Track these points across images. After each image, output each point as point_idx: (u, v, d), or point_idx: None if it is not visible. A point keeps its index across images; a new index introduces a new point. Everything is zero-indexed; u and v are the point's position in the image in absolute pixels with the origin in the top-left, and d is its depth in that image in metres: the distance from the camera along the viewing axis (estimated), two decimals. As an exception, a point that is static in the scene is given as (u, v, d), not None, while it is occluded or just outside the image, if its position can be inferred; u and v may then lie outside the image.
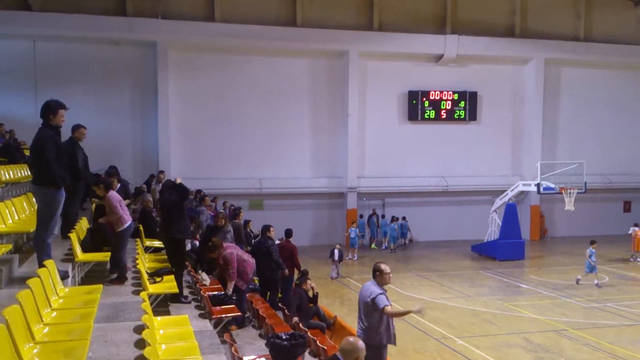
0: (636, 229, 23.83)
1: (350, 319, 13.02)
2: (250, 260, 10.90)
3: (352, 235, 24.56)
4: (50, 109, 7.31)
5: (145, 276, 8.81)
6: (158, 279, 9.16)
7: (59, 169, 7.30)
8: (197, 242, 13.71)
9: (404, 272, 22.08)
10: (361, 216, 28.00)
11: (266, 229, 12.98)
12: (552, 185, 23.33)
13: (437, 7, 28.53)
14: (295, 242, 14.51)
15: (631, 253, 24.04)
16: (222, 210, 17.71)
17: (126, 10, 24.73)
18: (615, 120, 31.03)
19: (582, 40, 29.94)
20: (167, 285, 9.05)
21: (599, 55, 29.77)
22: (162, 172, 19.76)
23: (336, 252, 20.26)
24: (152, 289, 8.66)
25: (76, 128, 10.24)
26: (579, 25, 30.05)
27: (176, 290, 9.09)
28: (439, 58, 28.35)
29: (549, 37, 29.29)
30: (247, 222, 16.31)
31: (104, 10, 24.33)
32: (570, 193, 23.29)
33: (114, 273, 9.35)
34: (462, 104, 29.06)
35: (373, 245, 27.52)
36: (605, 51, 29.74)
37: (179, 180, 10.90)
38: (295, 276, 14.03)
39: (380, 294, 7.79)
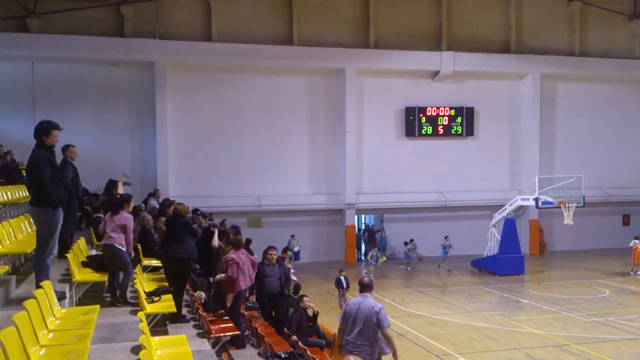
0: (637, 242, 23.70)
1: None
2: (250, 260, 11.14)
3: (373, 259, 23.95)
4: (43, 130, 7.37)
5: (143, 296, 8.77)
6: (156, 299, 9.12)
7: (55, 189, 7.31)
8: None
9: (404, 287, 22.01)
10: (359, 230, 27.94)
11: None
12: (551, 200, 23.33)
13: (432, 24, 28.71)
14: (294, 259, 14.47)
15: (631, 266, 23.96)
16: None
17: (124, 31, 24.89)
18: (613, 133, 31.05)
19: (578, 54, 30.09)
20: (165, 304, 8.99)
21: (594, 69, 29.90)
22: (158, 189, 19.80)
23: (342, 279, 18.03)
24: (150, 308, 8.61)
25: (66, 148, 10.34)
26: (574, 39, 30.22)
27: (174, 309, 9.04)
28: (435, 74, 28.45)
29: (544, 52, 29.41)
30: (249, 241, 16.09)
31: (102, 32, 24.48)
32: (568, 207, 23.30)
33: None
34: (459, 119, 29.12)
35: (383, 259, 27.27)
36: (601, 65, 29.87)
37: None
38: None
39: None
